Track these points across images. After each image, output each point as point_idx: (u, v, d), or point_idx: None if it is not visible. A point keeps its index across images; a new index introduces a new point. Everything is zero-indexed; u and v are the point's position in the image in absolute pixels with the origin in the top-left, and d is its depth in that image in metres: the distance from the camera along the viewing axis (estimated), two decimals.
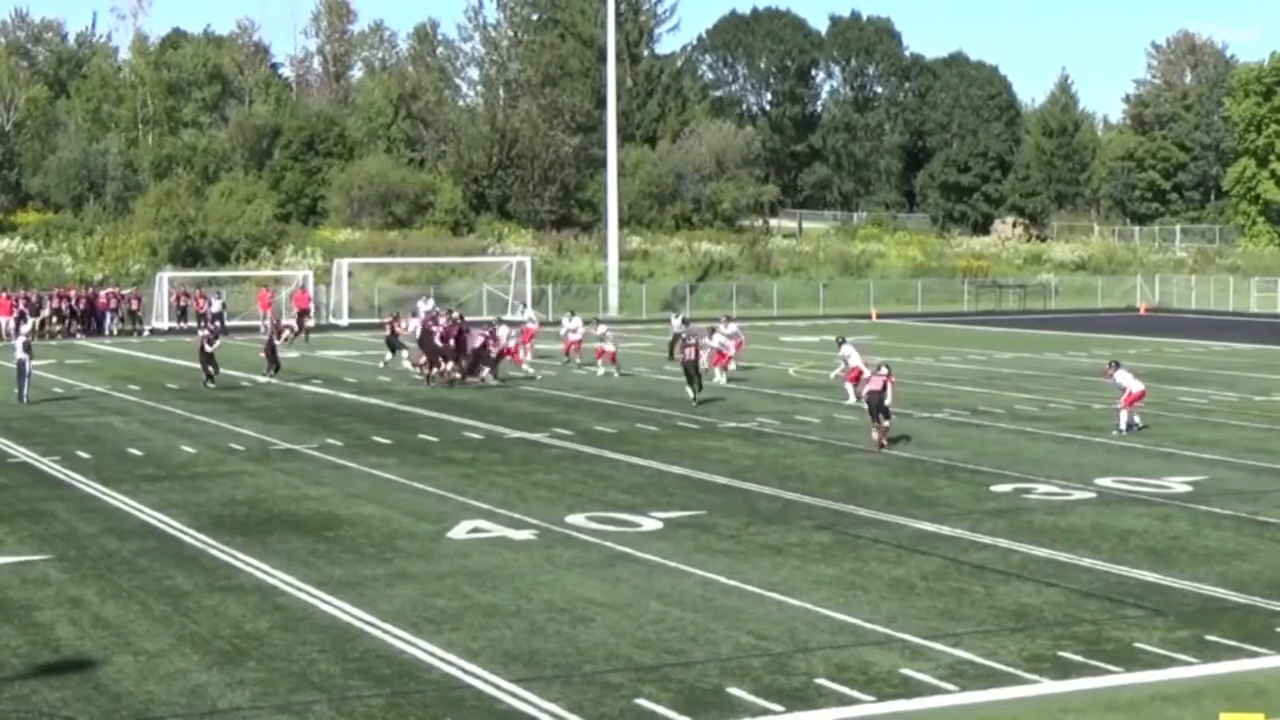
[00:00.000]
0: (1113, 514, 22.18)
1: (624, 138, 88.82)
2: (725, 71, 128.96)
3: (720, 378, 40.72)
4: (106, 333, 63.24)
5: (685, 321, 49.44)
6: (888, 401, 29.36)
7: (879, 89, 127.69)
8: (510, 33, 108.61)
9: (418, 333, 44.46)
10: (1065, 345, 55.42)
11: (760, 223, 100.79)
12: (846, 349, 37.22)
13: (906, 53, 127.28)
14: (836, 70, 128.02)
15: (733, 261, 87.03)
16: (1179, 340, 56.96)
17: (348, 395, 38.94)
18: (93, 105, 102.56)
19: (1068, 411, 34.90)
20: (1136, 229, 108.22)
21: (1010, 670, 14.42)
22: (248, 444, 29.81)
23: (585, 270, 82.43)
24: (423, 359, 42.57)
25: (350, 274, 72.08)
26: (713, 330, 42.82)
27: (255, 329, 62.08)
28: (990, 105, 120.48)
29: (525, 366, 43.48)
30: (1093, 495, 23.75)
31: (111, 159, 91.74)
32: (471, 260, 78.89)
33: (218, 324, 61.28)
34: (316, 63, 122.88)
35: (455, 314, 44.45)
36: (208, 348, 40.31)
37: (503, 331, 43.21)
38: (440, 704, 13.53)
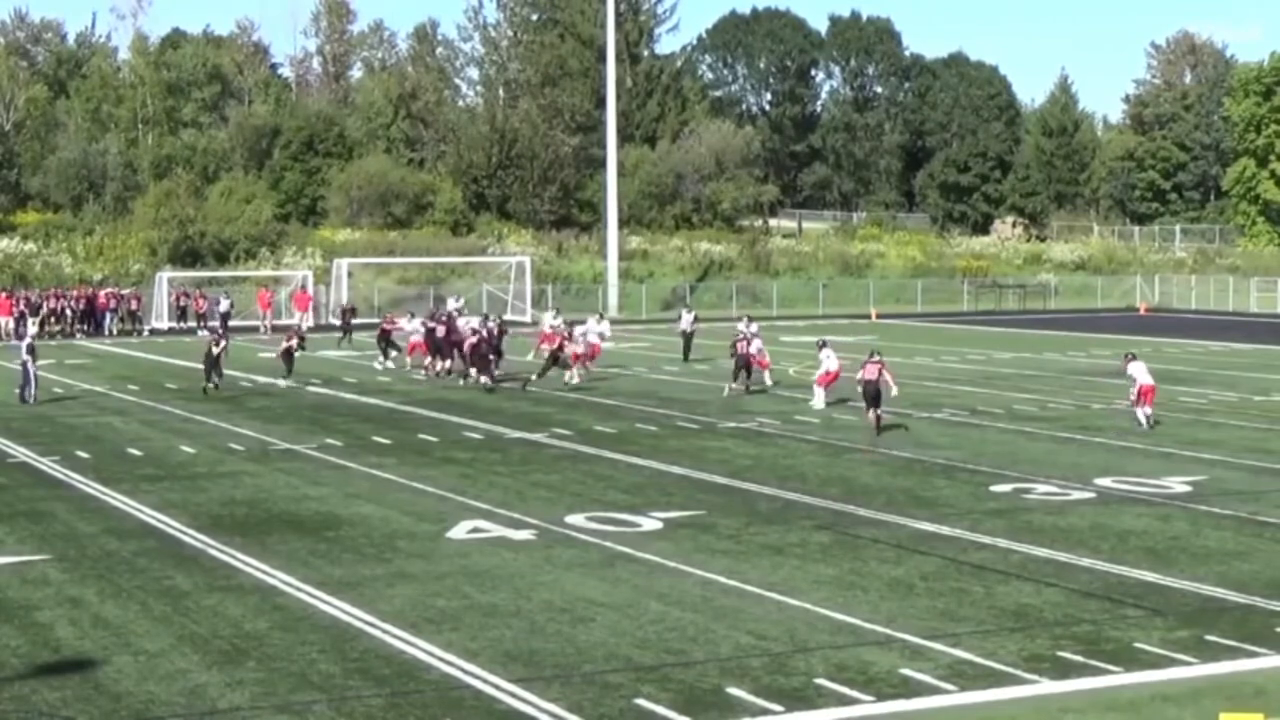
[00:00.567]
0: (1112, 514, 22.18)
1: (624, 138, 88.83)
2: (725, 71, 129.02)
3: (767, 379, 40.12)
4: (106, 333, 63.23)
5: (697, 318, 49.67)
6: (892, 392, 31.24)
7: (879, 89, 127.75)
8: (510, 33, 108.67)
9: (417, 333, 44.49)
10: (1065, 345, 55.43)
11: (760, 223, 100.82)
12: (826, 352, 36.40)
13: (906, 53, 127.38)
14: (836, 70, 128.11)
15: (732, 261, 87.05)
16: (1178, 340, 56.95)
17: (347, 395, 38.93)
18: (92, 105, 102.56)
19: (1067, 411, 34.91)
20: (1136, 229, 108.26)
21: (1010, 670, 14.42)
22: (247, 444, 29.81)
23: (585, 270, 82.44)
24: (428, 359, 43.11)
25: (350, 274, 72.06)
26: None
27: (255, 329, 62.20)
28: (990, 105, 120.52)
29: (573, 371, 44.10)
30: (1092, 495, 23.76)
31: (111, 159, 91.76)
32: (471, 260, 78.90)
33: (220, 326, 61.34)
34: (316, 63, 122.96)
35: (494, 320, 43.88)
36: (214, 350, 38.71)
37: (583, 329, 43.03)
38: (440, 704, 13.53)
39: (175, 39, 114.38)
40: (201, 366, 39.43)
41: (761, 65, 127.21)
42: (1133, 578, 18.13)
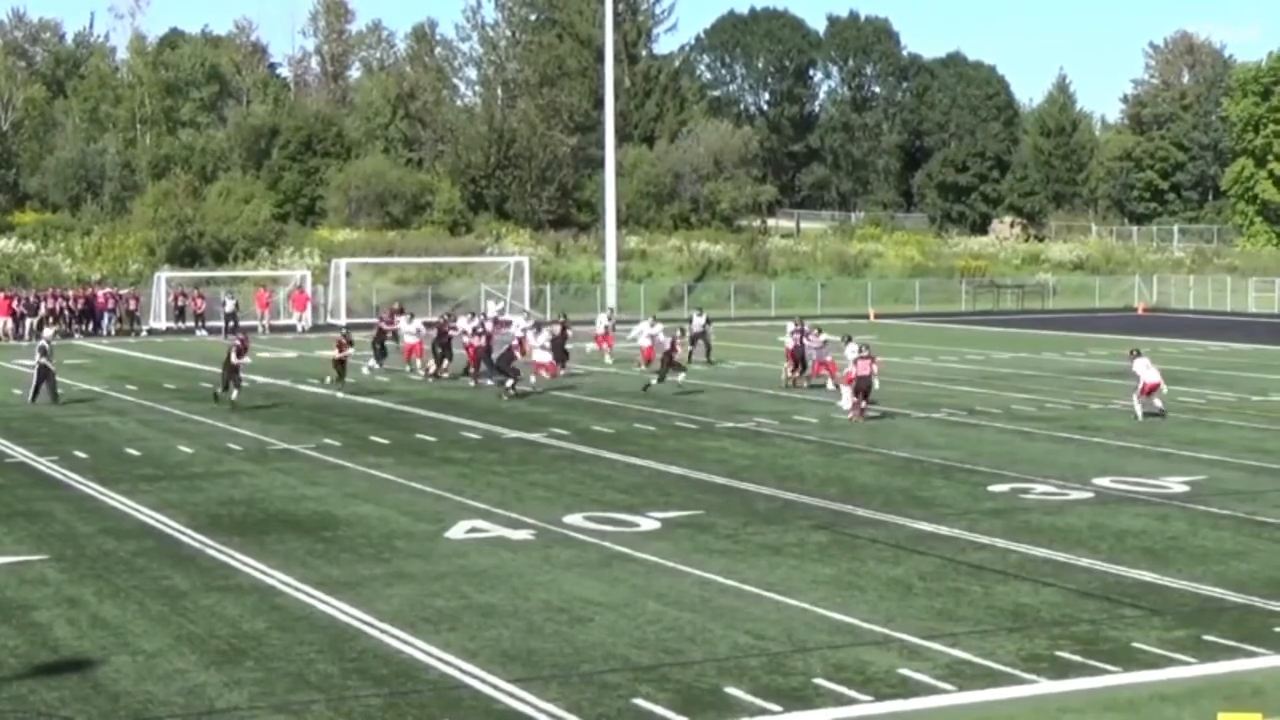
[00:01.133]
0: (1110, 514, 22.19)
1: (622, 138, 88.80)
2: (723, 71, 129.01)
3: (831, 385, 38.18)
4: (104, 333, 63.22)
5: (709, 320, 49.69)
6: (875, 386, 33.13)
7: (877, 89, 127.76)
8: (508, 33, 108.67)
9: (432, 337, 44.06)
10: (1063, 345, 55.45)
11: (758, 222, 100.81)
12: (852, 347, 35.48)
13: (904, 53, 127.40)
14: (834, 70, 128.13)
15: (731, 261, 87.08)
16: (1177, 340, 56.96)
17: (347, 395, 38.90)
18: (90, 105, 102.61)
19: (1065, 411, 34.91)
20: (1134, 229, 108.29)
21: (1008, 670, 14.42)
22: (245, 444, 29.80)
23: (583, 270, 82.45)
24: (440, 362, 42.81)
25: (348, 274, 72.07)
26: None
27: (253, 329, 62.19)
28: (988, 105, 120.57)
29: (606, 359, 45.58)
30: (1090, 495, 23.76)
31: (109, 159, 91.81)
32: (469, 260, 78.92)
33: (228, 326, 61.23)
34: (314, 63, 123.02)
35: (560, 318, 45.49)
36: (234, 359, 35.24)
37: (637, 331, 43.41)
38: (438, 704, 13.53)
39: (173, 39, 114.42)
40: (220, 373, 36.22)
41: (760, 65, 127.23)
42: (1131, 577, 18.13)
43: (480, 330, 40.67)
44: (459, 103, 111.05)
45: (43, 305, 63.06)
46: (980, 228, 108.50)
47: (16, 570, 18.64)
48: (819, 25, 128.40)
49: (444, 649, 15.08)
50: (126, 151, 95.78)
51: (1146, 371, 32.88)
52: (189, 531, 21.02)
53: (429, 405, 36.08)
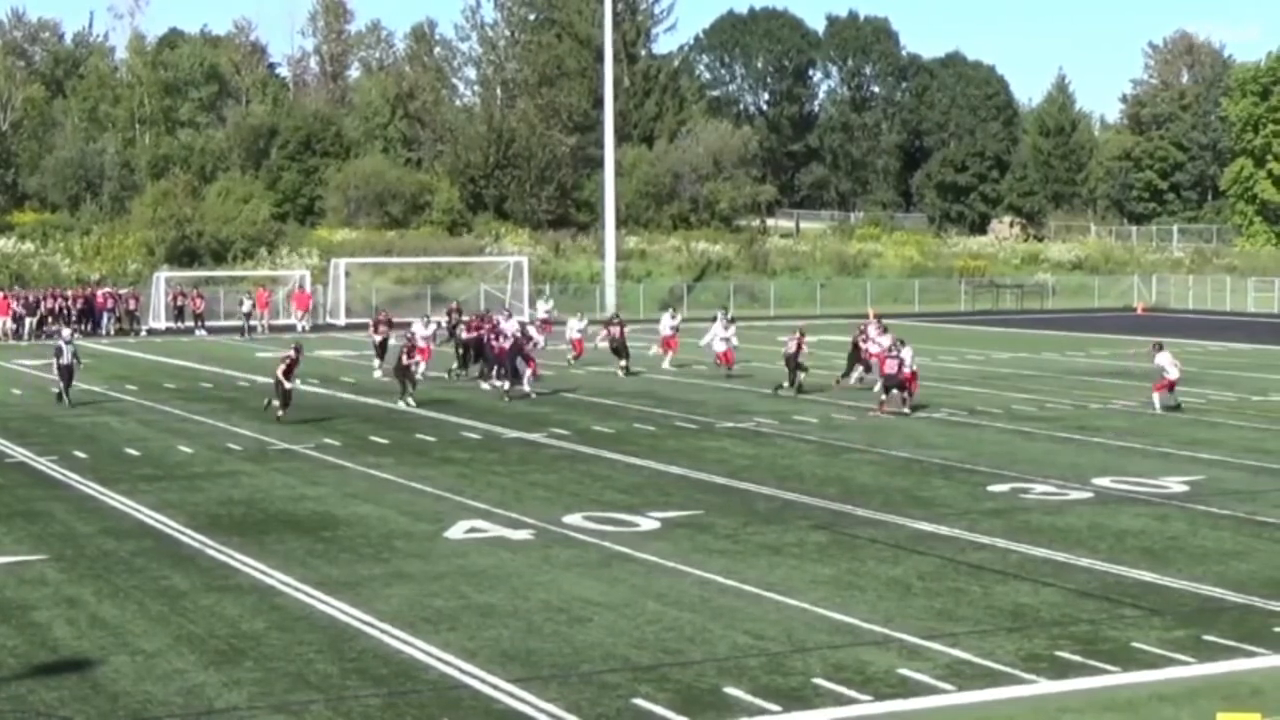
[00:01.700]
0: (1110, 514, 22.19)
1: (621, 137, 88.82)
2: (722, 71, 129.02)
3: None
4: (104, 332, 63.20)
5: (734, 319, 47.39)
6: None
7: (876, 89, 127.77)
8: (507, 32, 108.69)
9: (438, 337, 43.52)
10: (1062, 345, 55.46)
11: (757, 222, 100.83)
12: (906, 351, 34.15)
13: (904, 52, 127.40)
14: (834, 70, 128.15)
15: (730, 261, 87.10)
16: (1176, 340, 56.78)
17: (345, 395, 38.91)
18: (89, 105, 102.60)
19: (1065, 411, 34.91)
20: (1134, 229, 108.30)
21: (1007, 670, 14.42)
22: (245, 444, 29.79)
23: (582, 270, 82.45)
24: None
25: (347, 274, 72.06)
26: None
27: (252, 329, 62.21)
28: (987, 105, 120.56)
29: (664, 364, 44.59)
30: (1090, 495, 23.76)
31: (108, 159, 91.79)
32: (468, 260, 78.90)
33: (246, 326, 61.10)
34: (313, 62, 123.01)
35: (617, 318, 45.24)
36: (286, 383, 32.75)
37: (711, 336, 41.96)
38: (437, 704, 13.52)
39: (172, 39, 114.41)
40: (273, 387, 33.49)
41: (759, 65, 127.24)
42: (1130, 577, 18.13)
43: (524, 333, 39.60)
44: (458, 102, 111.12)
45: (42, 305, 63.07)
46: (979, 228, 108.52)
47: (16, 570, 18.64)
48: (818, 25, 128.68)
49: (443, 649, 15.08)
50: (125, 151, 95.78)
51: (1170, 367, 33.64)
52: (188, 531, 21.02)
53: (428, 405, 36.06)
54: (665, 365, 45.11)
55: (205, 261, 76.59)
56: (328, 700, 13.59)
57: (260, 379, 41.71)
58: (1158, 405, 34.20)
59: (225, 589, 17.70)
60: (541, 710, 13.33)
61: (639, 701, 13.52)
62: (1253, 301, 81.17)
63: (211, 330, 64.28)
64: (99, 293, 66.04)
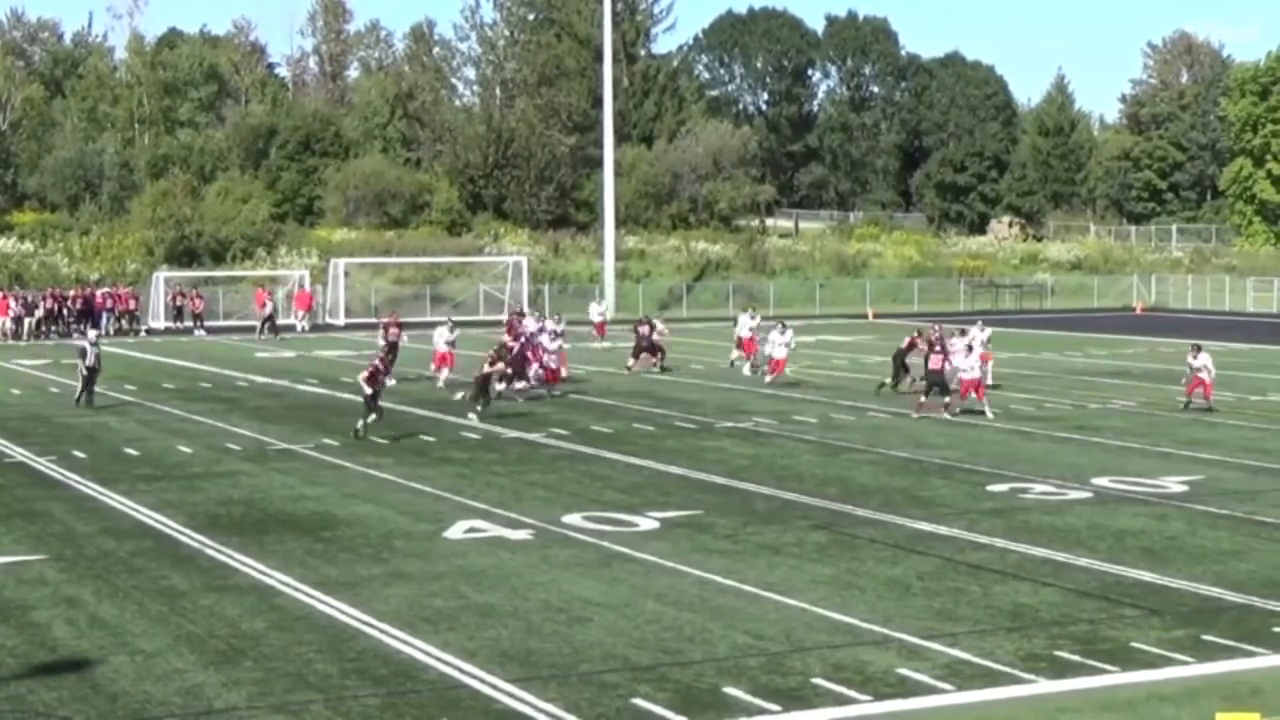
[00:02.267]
0: (1109, 514, 22.19)
1: (620, 137, 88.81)
2: (722, 71, 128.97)
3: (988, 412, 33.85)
4: (103, 332, 63.11)
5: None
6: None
7: (875, 89, 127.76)
8: (507, 32, 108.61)
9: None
10: (1062, 345, 55.45)
11: (756, 222, 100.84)
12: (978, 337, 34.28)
13: (903, 52, 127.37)
14: (833, 70, 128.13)
15: (729, 261, 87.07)
16: (1175, 340, 56.87)
17: (344, 395, 38.88)
18: (89, 105, 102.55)
19: (1064, 411, 34.92)
20: (1133, 229, 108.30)
21: (1007, 670, 14.42)
22: (244, 444, 29.79)
23: (581, 270, 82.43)
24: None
25: (346, 274, 72.05)
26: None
27: (251, 329, 62.15)
28: (987, 105, 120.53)
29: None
30: (1089, 495, 23.76)
31: (107, 159, 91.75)
32: (468, 260, 78.90)
33: (263, 328, 60.51)
34: (313, 62, 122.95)
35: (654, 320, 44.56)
36: (370, 400, 30.47)
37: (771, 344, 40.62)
38: (437, 704, 13.53)
39: (172, 39, 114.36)
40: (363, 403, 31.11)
41: (758, 65, 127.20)
42: (1130, 577, 18.13)
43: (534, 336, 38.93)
44: (457, 102, 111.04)
45: (41, 305, 63.01)
46: (979, 227, 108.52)
47: (15, 570, 18.63)
48: (817, 25, 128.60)
49: (443, 649, 15.08)
50: (125, 151, 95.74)
51: (1207, 369, 34.25)
52: (188, 531, 21.02)
53: (428, 405, 36.05)
54: (745, 372, 43.36)
55: (204, 262, 76.58)
56: (327, 700, 13.59)
57: (259, 379, 41.72)
58: (1195, 403, 34.61)
59: (224, 589, 17.70)
60: (541, 710, 13.34)
61: (638, 701, 13.52)
62: (1252, 301, 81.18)
63: (210, 330, 64.26)
64: (98, 293, 66.01)
